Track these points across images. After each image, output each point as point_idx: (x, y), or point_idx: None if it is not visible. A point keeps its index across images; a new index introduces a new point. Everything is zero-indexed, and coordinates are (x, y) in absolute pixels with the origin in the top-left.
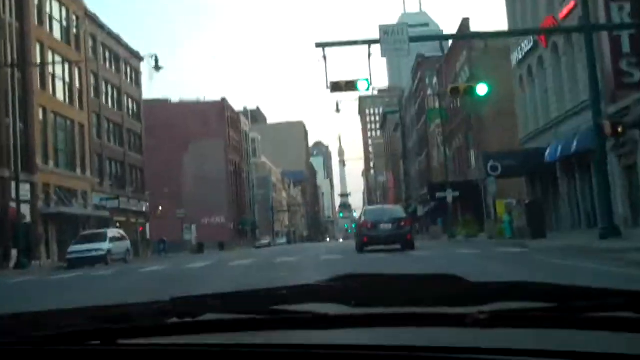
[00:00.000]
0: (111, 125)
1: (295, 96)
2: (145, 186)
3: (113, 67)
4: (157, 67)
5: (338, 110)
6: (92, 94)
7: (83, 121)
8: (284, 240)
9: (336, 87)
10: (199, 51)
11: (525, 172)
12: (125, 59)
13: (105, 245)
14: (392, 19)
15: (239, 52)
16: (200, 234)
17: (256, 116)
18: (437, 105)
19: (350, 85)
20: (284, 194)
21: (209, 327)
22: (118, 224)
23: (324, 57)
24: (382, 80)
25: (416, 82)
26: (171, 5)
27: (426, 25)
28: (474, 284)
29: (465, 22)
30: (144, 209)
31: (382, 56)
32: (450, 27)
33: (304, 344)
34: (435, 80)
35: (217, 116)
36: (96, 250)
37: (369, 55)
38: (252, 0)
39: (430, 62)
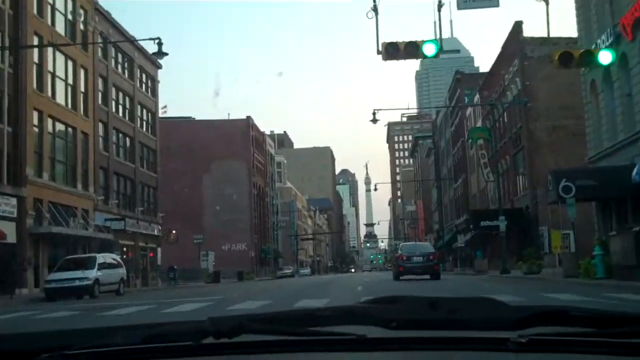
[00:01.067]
0: (121, 137)
1: (322, 123)
2: (158, 207)
3: (126, 72)
4: (161, 53)
5: (375, 121)
6: (100, 100)
7: (87, 130)
8: (307, 270)
9: (391, 50)
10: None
11: (605, 194)
12: (141, 65)
13: (93, 274)
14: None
15: (266, 76)
16: (219, 262)
17: (283, 140)
18: (479, 124)
19: (412, 49)
20: (309, 222)
21: (246, 348)
22: (125, 249)
23: (375, 9)
24: (411, 105)
25: (453, 102)
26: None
27: (457, 51)
28: (514, 307)
29: (517, 26)
30: (155, 232)
31: (457, 9)
32: (481, 53)
33: None
34: (477, 97)
35: (241, 136)
36: (80, 279)
37: (439, 5)
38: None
39: (470, 79)
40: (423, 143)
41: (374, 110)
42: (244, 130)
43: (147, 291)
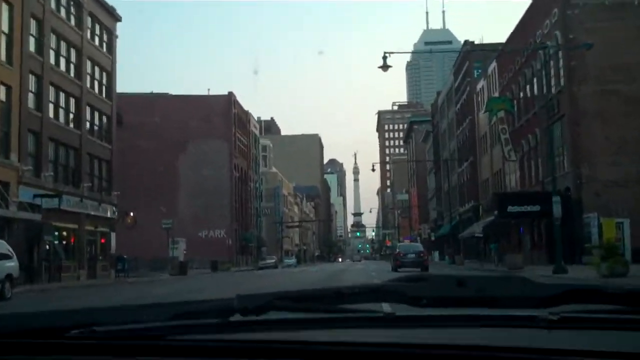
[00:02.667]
0: (62, 96)
1: (310, 112)
2: (112, 185)
3: (72, 19)
4: None
5: (385, 67)
6: (32, 48)
7: (10, 81)
8: (292, 260)
9: None
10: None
11: None
12: (92, 13)
13: None
14: (415, 36)
15: (253, 61)
16: (195, 250)
17: (270, 127)
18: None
19: None
20: (296, 209)
21: (273, 325)
22: (65, 233)
23: None
24: (401, 96)
25: (459, 78)
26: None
27: (449, 42)
28: (544, 285)
29: None
30: (108, 214)
31: None
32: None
33: (371, 342)
34: (493, 66)
35: (222, 113)
36: None
37: None
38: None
39: (479, 54)
40: (419, 128)
41: (385, 53)
42: (225, 108)
43: (73, 288)
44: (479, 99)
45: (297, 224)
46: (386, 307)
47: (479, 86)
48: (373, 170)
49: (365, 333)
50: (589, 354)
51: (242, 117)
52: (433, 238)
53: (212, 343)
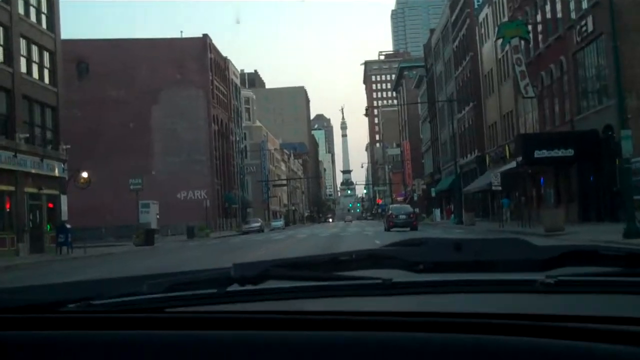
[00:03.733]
0: None
1: (295, 65)
2: (60, 137)
3: None
4: None
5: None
6: None
7: None
8: (280, 222)
9: None
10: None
11: None
12: None
13: None
14: None
15: (234, 10)
16: (174, 214)
17: (254, 80)
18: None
19: None
20: (283, 167)
21: (270, 294)
22: None
23: None
24: (387, 45)
25: (456, 10)
26: None
27: None
28: (542, 247)
29: None
30: (56, 173)
31: None
32: None
33: (370, 311)
34: None
35: (196, 58)
36: None
37: None
38: None
39: None
40: (409, 74)
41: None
42: (200, 52)
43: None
44: (482, 30)
45: (284, 182)
46: (383, 273)
47: (481, 16)
48: (366, 114)
49: (363, 301)
50: (586, 319)
51: (220, 64)
52: (433, 194)
53: (210, 314)
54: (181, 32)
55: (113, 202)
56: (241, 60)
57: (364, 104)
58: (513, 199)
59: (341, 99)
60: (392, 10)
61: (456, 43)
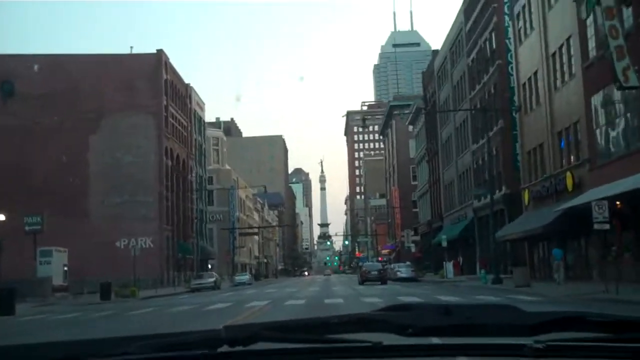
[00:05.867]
0: None
1: (273, 118)
2: None
3: None
4: None
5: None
6: None
7: None
8: (245, 277)
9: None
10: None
11: None
12: None
13: None
14: (382, 38)
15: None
16: (106, 266)
17: (229, 129)
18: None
19: None
20: (256, 217)
21: (261, 356)
22: None
23: None
24: (368, 96)
25: (475, 12)
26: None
27: (417, 44)
28: (530, 313)
29: None
30: None
31: None
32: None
33: None
34: None
35: (148, 78)
36: None
37: None
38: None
39: None
40: (400, 114)
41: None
42: (152, 70)
43: None
44: (520, 24)
45: (255, 230)
46: (373, 337)
47: (517, 8)
48: (363, 125)
49: None
50: None
51: (180, 89)
52: (444, 243)
53: None
54: (131, 47)
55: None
56: (218, 109)
57: (345, 157)
58: (572, 249)
59: (320, 154)
60: (375, 65)
61: (473, 55)
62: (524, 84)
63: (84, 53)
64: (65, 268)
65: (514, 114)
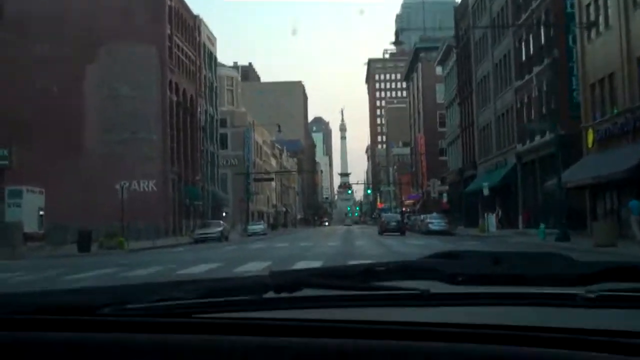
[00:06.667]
0: None
1: (293, 65)
2: None
3: None
4: None
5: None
6: None
7: None
8: (259, 226)
9: None
10: None
11: None
12: None
13: None
14: None
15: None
16: (103, 211)
17: (247, 73)
18: None
19: None
20: (274, 163)
21: (307, 302)
22: None
23: None
24: (390, 46)
25: None
26: None
27: None
28: (582, 263)
29: None
30: None
31: None
32: None
33: (407, 321)
34: None
35: (148, 3)
36: None
37: None
38: None
39: None
40: (426, 57)
41: None
42: None
43: None
44: None
45: (271, 176)
46: (420, 284)
47: None
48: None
49: (399, 312)
50: (628, 334)
51: (187, 20)
52: (486, 192)
53: (245, 321)
54: None
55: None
56: (235, 54)
57: (366, 106)
58: None
59: (340, 102)
60: (397, 15)
61: None
62: (588, 4)
63: None
64: (42, 212)
65: (570, 43)
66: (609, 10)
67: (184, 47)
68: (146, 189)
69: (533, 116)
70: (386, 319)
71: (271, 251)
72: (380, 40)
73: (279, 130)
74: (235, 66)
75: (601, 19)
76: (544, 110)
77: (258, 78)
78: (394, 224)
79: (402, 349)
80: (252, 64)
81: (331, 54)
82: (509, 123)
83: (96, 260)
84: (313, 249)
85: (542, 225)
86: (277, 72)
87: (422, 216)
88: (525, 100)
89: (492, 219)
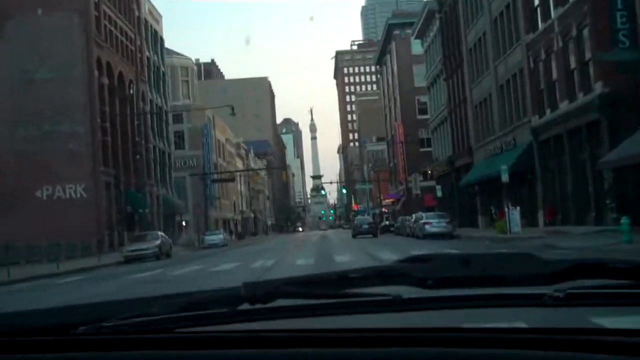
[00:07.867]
0: None
1: (260, 63)
2: None
3: None
4: None
5: None
6: None
7: None
8: (217, 236)
9: None
10: None
11: None
12: None
13: None
14: None
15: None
16: (37, 223)
17: (210, 71)
18: None
19: None
20: (240, 164)
21: (281, 313)
22: None
23: None
24: (356, 36)
25: None
26: None
27: None
28: (549, 261)
29: None
30: None
31: None
32: None
33: (380, 327)
34: None
35: None
36: None
37: None
38: None
39: None
40: (401, 34)
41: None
42: None
43: None
44: None
45: (232, 176)
46: (392, 290)
47: None
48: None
49: (374, 318)
50: (595, 332)
51: None
52: (505, 178)
53: (221, 334)
54: None
55: None
56: (198, 51)
57: (335, 103)
58: None
59: (309, 103)
60: (362, 7)
61: None
62: None
63: None
64: None
65: None
66: None
67: (118, 21)
68: (73, 194)
69: (556, 76)
70: (361, 326)
71: (192, 283)
72: (347, 37)
73: (232, 113)
74: (197, 63)
75: None
76: (572, 65)
77: (222, 75)
78: (365, 226)
79: (378, 356)
80: (215, 61)
81: (297, 53)
82: (517, 91)
83: None
84: (270, 275)
85: (624, 219)
86: (242, 74)
87: (412, 216)
88: (543, 56)
89: (516, 216)
